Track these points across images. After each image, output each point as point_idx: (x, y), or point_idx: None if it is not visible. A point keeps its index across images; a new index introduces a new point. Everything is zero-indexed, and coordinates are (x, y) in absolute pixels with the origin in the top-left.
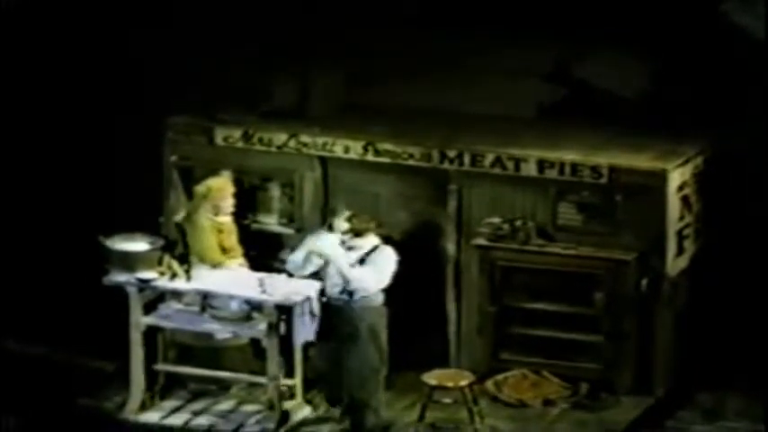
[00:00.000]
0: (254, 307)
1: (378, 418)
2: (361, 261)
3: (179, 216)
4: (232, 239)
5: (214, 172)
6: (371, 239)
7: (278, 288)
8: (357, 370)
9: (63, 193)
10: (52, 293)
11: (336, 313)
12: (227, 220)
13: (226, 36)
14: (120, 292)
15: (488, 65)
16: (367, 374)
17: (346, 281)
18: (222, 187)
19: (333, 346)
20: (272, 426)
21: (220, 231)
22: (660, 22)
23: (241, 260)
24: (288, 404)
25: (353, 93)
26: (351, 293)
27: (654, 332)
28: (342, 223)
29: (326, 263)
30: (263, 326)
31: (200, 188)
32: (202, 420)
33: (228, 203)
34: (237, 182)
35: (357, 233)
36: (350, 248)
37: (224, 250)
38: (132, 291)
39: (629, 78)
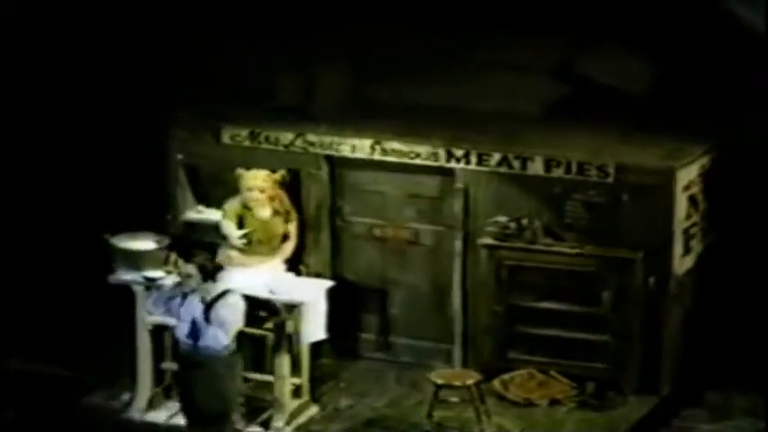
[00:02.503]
0: (263, 306)
1: None
2: (207, 308)
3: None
4: (263, 235)
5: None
6: (220, 284)
7: (286, 287)
8: (201, 413)
9: (69, 192)
10: (57, 292)
11: (185, 357)
12: (262, 215)
13: (231, 33)
14: (122, 291)
15: (494, 61)
16: (210, 419)
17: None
18: (246, 179)
19: (182, 383)
20: (280, 424)
21: (244, 218)
22: (665, 18)
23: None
24: (295, 403)
25: (359, 90)
26: (196, 338)
27: (660, 331)
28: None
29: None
30: (270, 325)
31: (237, 172)
32: None
33: (251, 197)
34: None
35: (207, 274)
36: (193, 291)
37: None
38: (139, 289)
39: (635, 75)
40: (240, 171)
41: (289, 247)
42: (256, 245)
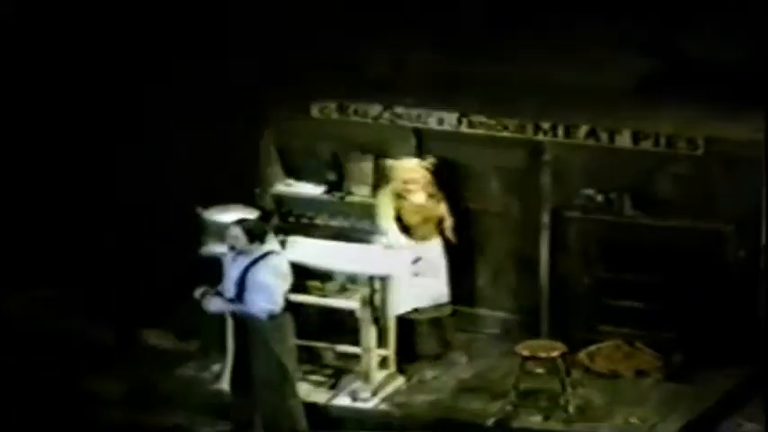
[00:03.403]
0: (349, 278)
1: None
2: (246, 270)
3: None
4: (421, 219)
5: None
6: (266, 246)
7: (372, 259)
8: (259, 382)
9: (155, 165)
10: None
11: (236, 321)
12: (417, 201)
13: (319, 8)
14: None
15: (585, 35)
16: (267, 387)
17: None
18: (400, 171)
19: (238, 357)
20: (366, 395)
21: (400, 208)
22: None
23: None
24: (381, 374)
25: (446, 64)
26: (240, 301)
27: (751, 303)
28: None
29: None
30: (357, 297)
31: (386, 162)
32: None
33: (405, 188)
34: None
35: (253, 237)
36: (240, 253)
37: (406, 229)
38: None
39: (728, 48)
40: (391, 162)
41: (449, 227)
42: (416, 229)
